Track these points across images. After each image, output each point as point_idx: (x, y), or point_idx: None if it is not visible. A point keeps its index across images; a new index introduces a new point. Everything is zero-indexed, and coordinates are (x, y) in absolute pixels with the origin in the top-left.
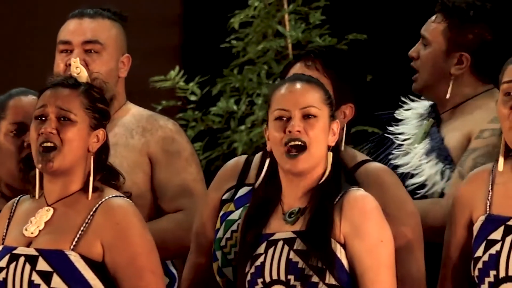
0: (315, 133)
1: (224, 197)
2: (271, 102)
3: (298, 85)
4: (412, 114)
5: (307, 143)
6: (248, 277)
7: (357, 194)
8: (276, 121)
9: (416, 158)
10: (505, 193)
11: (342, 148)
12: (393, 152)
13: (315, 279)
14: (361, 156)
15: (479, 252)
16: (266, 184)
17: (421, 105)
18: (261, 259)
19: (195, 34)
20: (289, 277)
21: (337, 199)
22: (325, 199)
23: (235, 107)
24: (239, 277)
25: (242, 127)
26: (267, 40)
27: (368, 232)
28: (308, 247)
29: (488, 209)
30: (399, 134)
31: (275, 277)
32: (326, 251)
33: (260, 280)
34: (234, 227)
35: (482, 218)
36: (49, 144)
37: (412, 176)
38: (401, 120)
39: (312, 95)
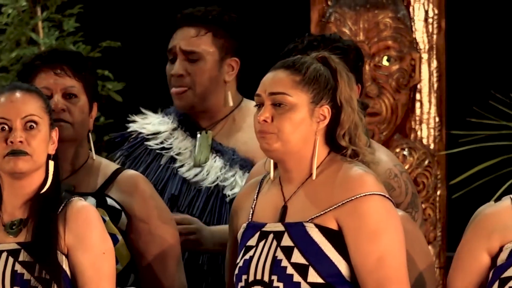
0: (37, 143)
1: None
2: None
3: (18, 94)
4: (167, 128)
5: (29, 153)
6: None
7: (80, 204)
8: None
9: (217, 172)
10: (265, 201)
11: (94, 156)
12: (170, 165)
13: None
14: (113, 165)
15: (238, 259)
16: None
17: (162, 119)
18: None
19: None
20: None
21: (60, 209)
22: (48, 210)
23: None
24: None
25: None
26: (21, 47)
27: (91, 243)
28: (34, 259)
29: (250, 217)
30: (167, 148)
31: None
32: (52, 262)
33: None
34: None
35: (244, 226)
36: None
37: (224, 187)
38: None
39: (33, 104)
